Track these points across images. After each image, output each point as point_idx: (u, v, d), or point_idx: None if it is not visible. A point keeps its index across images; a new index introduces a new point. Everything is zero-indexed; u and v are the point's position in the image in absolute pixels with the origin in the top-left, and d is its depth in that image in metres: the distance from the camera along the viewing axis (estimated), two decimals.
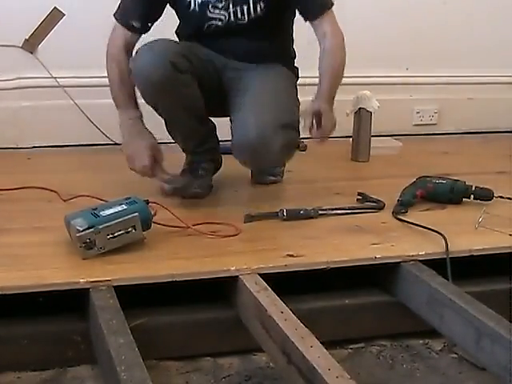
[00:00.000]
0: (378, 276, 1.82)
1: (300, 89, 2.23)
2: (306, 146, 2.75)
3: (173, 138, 2.22)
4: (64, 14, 2.77)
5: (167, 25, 2.19)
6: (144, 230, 1.79)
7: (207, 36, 2.14)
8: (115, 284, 1.59)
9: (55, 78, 2.80)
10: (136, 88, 2.06)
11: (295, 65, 2.29)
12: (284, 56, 2.24)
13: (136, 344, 1.37)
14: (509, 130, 3.39)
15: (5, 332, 1.57)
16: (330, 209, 2.09)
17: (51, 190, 2.19)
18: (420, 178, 2.25)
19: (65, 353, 1.60)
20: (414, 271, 1.74)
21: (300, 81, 2.28)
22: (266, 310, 1.52)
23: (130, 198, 1.82)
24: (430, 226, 1.92)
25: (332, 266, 1.74)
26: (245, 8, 2.06)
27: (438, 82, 3.29)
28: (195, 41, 2.17)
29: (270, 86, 2.08)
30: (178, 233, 1.87)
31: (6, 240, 1.82)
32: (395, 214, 2.08)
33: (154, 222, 1.84)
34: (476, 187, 2.21)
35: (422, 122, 3.34)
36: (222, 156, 2.30)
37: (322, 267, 1.74)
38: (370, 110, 2.74)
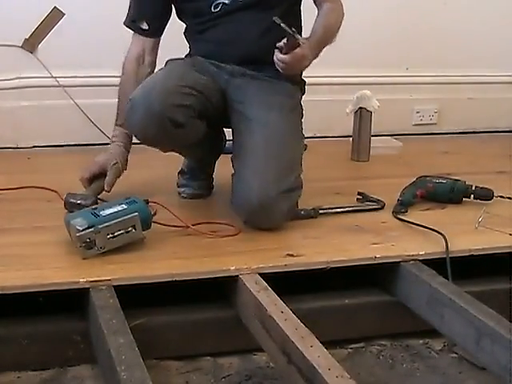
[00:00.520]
0: (377, 276, 1.82)
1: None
2: (306, 145, 2.74)
3: None
4: (64, 14, 2.76)
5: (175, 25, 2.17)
6: (144, 230, 1.78)
7: (212, 21, 2.03)
8: (115, 284, 1.59)
9: (55, 77, 2.80)
10: None
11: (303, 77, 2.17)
12: None
13: (136, 344, 1.37)
14: (509, 129, 3.39)
15: (5, 332, 1.57)
16: (329, 208, 2.09)
17: (51, 190, 2.19)
18: (420, 177, 2.25)
19: (65, 352, 1.60)
20: (414, 271, 1.74)
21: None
22: (266, 310, 1.52)
23: (129, 197, 1.82)
24: (430, 226, 1.92)
25: (332, 266, 1.74)
26: None
27: (437, 81, 3.29)
28: (201, 36, 2.08)
29: (275, 136, 1.94)
30: (178, 232, 1.87)
31: (6, 240, 1.82)
32: (395, 213, 2.08)
33: (154, 222, 1.84)
34: (476, 187, 2.21)
35: (421, 122, 3.34)
36: (223, 156, 2.30)
37: (322, 267, 1.74)
38: (370, 109, 2.74)
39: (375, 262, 1.78)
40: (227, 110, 2.07)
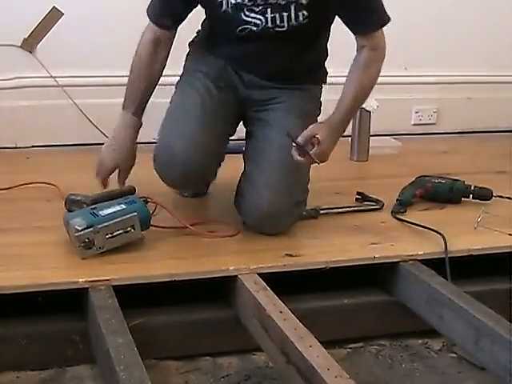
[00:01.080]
0: (377, 276, 1.82)
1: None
2: None
3: None
4: (63, 14, 2.76)
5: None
6: (143, 230, 1.78)
7: (237, 40, 1.96)
8: (114, 283, 1.59)
9: (54, 77, 2.79)
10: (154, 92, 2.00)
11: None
12: (313, 76, 2.10)
13: (135, 343, 1.37)
14: (508, 129, 3.38)
15: (4, 332, 1.57)
16: (329, 208, 2.09)
17: (50, 184, 2.19)
18: (419, 177, 2.25)
19: (64, 352, 1.60)
20: (414, 271, 1.74)
21: None
22: (265, 310, 1.52)
23: (128, 197, 1.82)
24: (429, 226, 1.92)
25: (331, 266, 1.75)
26: (285, 15, 1.87)
27: (437, 81, 3.29)
28: (226, 42, 2.00)
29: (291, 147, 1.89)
30: (177, 232, 1.87)
31: (5, 240, 1.82)
32: (394, 213, 2.08)
33: (153, 226, 1.83)
34: (475, 187, 2.21)
35: (421, 122, 3.34)
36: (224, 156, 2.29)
37: (321, 267, 1.74)
38: (369, 109, 2.74)
39: (374, 262, 1.78)
40: (244, 114, 2.05)
